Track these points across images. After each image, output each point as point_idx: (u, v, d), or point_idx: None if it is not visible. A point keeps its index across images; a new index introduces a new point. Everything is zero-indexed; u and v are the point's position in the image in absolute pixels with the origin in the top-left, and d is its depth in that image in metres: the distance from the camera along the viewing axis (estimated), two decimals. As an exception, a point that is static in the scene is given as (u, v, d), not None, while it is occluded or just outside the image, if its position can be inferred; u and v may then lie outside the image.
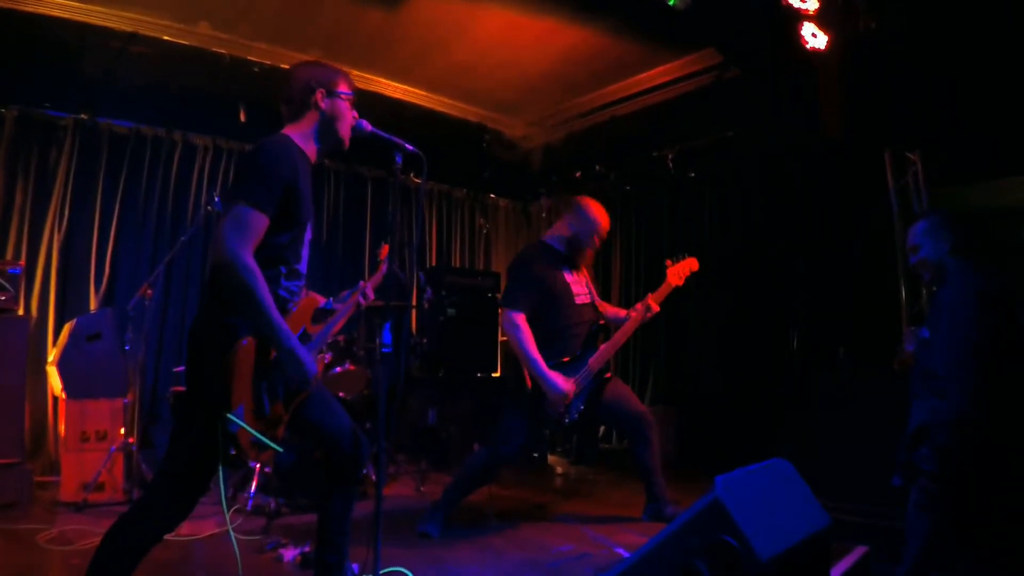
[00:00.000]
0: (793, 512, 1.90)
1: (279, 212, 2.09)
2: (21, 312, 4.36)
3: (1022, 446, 2.57)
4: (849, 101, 4.37)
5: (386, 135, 2.34)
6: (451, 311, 5.99)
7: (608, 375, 3.73)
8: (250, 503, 3.86)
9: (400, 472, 5.11)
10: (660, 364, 6.46)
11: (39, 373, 4.70)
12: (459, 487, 3.68)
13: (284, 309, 2.18)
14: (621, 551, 3.32)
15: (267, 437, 2.08)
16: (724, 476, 1.74)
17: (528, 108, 6.40)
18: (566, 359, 3.61)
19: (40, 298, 4.95)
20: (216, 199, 4.35)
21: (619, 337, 3.76)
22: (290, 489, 3.96)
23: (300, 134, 2.26)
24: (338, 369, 4.37)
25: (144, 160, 5.45)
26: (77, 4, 4.42)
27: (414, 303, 6.52)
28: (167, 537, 2.11)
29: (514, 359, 3.63)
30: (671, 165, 6.19)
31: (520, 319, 3.55)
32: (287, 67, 3.30)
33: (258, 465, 3.91)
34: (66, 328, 4.42)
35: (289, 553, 3.10)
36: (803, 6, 3.98)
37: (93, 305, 5.12)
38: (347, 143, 2.35)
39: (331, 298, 2.61)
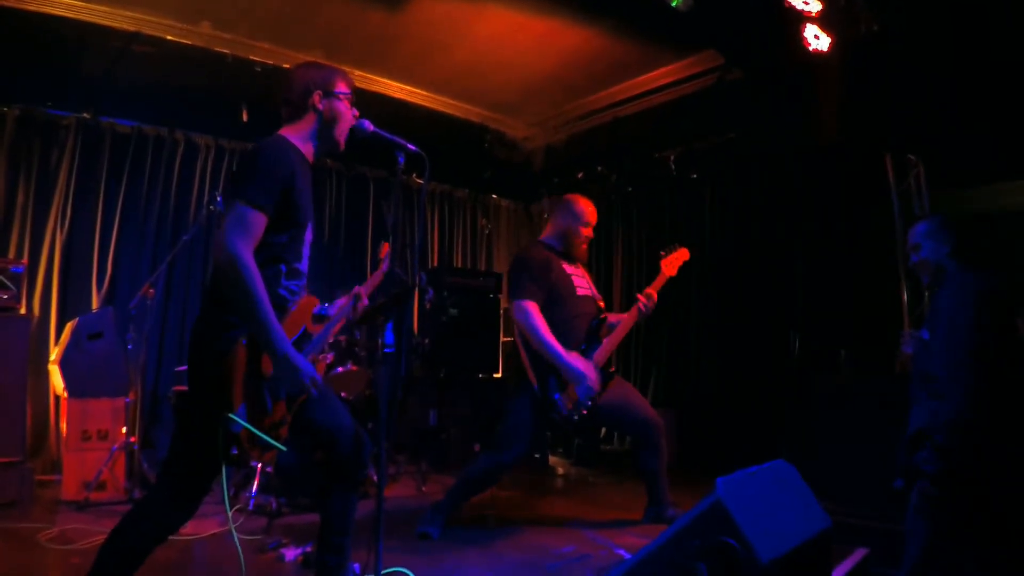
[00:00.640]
0: (794, 514, 1.91)
1: (277, 212, 2.09)
2: (23, 311, 4.37)
3: (1021, 447, 2.57)
4: (850, 103, 4.37)
5: (388, 135, 2.34)
6: (453, 311, 5.98)
7: (612, 369, 3.72)
8: (251, 503, 3.86)
9: (401, 473, 5.11)
10: (661, 366, 6.45)
11: (41, 372, 4.71)
12: (461, 490, 3.67)
13: (284, 308, 2.18)
14: (622, 553, 3.32)
15: (270, 437, 2.08)
16: (725, 478, 1.74)
17: (530, 109, 6.41)
18: (572, 352, 3.60)
19: (42, 297, 4.96)
20: (218, 199, 4.35)
21: (621, 330, 3.74)
22: (291, 489, 3.96)
23: (298, 135, 2.27)
24: (340, 369, 4.38)
25: (146, 159, 5.45)
26: (79, 3, 4.43)
27: (415, 303, 6.52)
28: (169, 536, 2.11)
29: (517, 359, 3.62)
30: (673, 166, 6.19)
31: (532, 307, 3.54)
32: (289, 67, 3.30)
33: (259, 465, 3.91)
34: (68, 327, 4.43)
35: (291, 553, 3.10)
36: (806, 8, 3.97)
37: (95, 304, 5.12)
38: (342, 145, 2.34)
39: (326, 303, 2.58)
